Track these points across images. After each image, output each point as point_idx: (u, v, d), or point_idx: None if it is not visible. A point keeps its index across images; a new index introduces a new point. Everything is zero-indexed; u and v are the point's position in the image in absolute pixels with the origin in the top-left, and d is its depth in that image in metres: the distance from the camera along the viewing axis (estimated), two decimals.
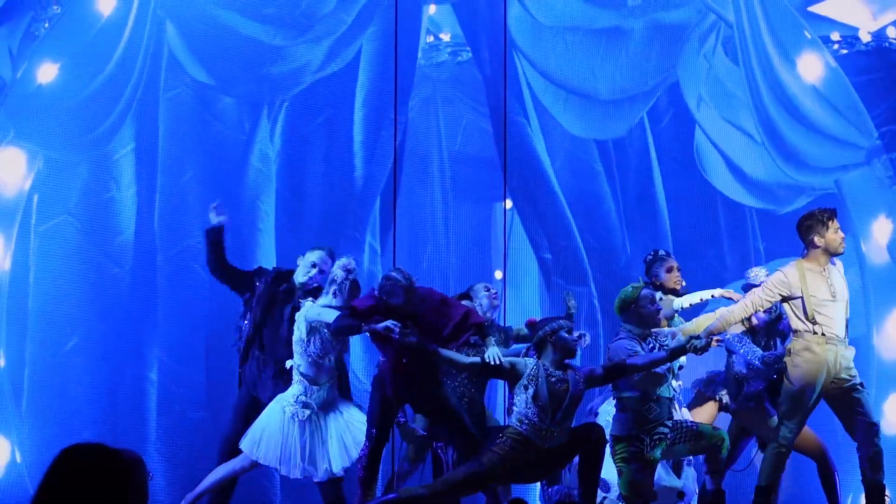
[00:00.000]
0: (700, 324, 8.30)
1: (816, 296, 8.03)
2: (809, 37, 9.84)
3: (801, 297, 8.03)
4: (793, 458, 8.33)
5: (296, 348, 8.44)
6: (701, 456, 8.33)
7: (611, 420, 8.13)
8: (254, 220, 10.77)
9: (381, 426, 8.08)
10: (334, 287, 8.37)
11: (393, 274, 8.08)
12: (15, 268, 9.89)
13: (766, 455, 8.27)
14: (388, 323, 7.76)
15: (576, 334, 7.94)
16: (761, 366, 8.47)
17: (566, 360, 7.75)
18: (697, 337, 7.75)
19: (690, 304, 8.77)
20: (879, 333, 9.80)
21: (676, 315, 8.79)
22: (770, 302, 8.19)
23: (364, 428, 8.24)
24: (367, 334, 8.08)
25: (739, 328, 8.64)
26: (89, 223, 10.30)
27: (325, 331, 8.34)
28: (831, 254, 8.15)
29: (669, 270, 8.96)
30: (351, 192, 11.05)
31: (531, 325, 8.00)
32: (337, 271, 8.41)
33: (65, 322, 10.21)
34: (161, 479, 10.12)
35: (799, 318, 8.06)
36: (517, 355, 8.04)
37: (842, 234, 8.20)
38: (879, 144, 9.83)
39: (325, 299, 8.40)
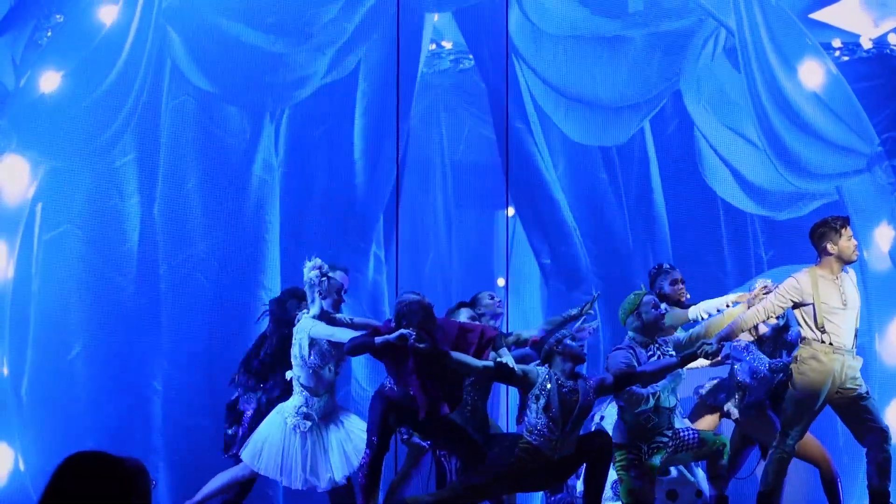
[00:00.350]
0: (710, 328, 8.30)
1: (828, 303, 8.00)
2: (811, 44, 9.86)
3: (812, 304, 8.01)
4: (795, 463, 8.33)
5: (295, 360, 8.42)
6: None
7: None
8: (258, 230, 10.74)
9: (382, 434, 8.07)
10: (317, 289, 8.34)
11: (405, 296, 8.08)
12: (18, 276, 9.89)
13: (768, 461, 8.26)
14: (402, 331, 7.76)
15: (577, 325, 7.93)
16: (768, 373, 8.46)
17: (577, 369, 7.75)
18: (709, 342, 7.74)
19: (708, 314, 8.71)
20: (881, 340, 9.81)
21: (680, 327, 8.77)
22: (782, 308, 8.15)
23: (363, 436, 8.24)
24: (378, 359, 8.10)
25: (747, 336, 8.63)
26: (92, 232, 10.29)
27: (323, 342, 8.32)
28: (844, 261, 8.13)
29: (674, 283, 8.95)
30: (354, 201, 11.04)
31: (535, 343, 8.02)
32: (310, 274, 8.32)
33: (68, 330, 10.21)
34: (164, 487, 10.13)
35: (808, 326, 8.04)
36: (524, 360, 8.04)
37: (855, 242, 8.19)
38: (881, 151, 9.85)
39: (315, 307, 8.34)
